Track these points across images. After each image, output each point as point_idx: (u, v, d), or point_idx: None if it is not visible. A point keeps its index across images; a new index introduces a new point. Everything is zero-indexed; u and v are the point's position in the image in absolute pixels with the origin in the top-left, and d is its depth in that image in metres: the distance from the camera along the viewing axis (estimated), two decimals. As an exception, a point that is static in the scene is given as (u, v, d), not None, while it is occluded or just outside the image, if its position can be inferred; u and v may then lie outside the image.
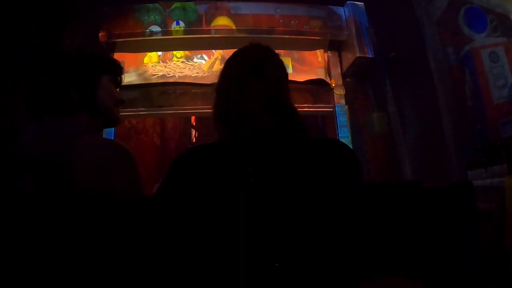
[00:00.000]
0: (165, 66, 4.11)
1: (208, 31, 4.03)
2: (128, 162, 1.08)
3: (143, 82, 4.02)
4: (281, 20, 4.10)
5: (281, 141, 0.95)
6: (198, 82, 4.05)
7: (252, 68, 1.12)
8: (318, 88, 4.19)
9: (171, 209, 0.81)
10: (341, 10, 4.23)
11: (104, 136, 3.82)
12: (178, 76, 4.06)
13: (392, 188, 0.96)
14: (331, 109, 4.18)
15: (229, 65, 1.23)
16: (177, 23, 3.98)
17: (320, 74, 4.18)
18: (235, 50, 1.27)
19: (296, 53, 4.31)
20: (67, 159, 0.97)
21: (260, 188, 0.83)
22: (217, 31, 4.04)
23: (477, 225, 1.00)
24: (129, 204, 0.84)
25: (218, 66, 4.15)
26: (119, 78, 1.44)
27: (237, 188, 0.82)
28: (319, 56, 4.32)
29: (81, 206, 0.79)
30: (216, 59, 4.19)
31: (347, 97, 4.22)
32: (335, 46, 4.37)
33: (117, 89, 1.44)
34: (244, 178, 0.83)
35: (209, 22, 4.04)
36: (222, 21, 4.05)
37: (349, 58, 4.16)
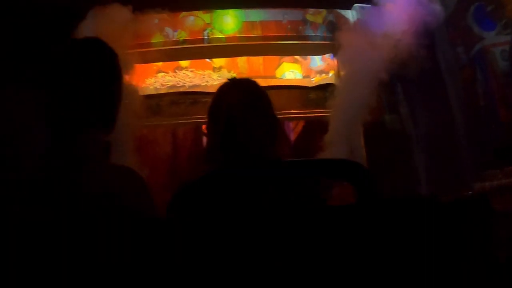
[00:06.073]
0: (174, 76, 4.13)
1: (216, 40, 4.05)
2: (140, 190, 1.08)
3: (153, 92, 4.05)
4: (289, 26, 4.11)
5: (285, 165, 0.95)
6: (208, 91, 4.06)
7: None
8: (328, 93, 4.17)
9: (178, 236, 0.81)
10: (348, 14, 4.22)
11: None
12: (188, 86, 4.08)
13: (406, 204, 0.95)
14: (343, 113, 4.16)
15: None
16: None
17: (330, 79, 4.18)
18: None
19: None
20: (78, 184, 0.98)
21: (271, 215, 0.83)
22: (225, 39, 4.05)
23: (490, 237, 0.99)
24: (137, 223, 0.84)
25: (225, 73, 4.16)
26: None
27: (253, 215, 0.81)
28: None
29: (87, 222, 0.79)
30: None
31: (358, 100, 4.19)
32: (344, 50, 4.35)
33: None
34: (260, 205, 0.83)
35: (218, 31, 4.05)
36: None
37: (358, 61, 4.14)
